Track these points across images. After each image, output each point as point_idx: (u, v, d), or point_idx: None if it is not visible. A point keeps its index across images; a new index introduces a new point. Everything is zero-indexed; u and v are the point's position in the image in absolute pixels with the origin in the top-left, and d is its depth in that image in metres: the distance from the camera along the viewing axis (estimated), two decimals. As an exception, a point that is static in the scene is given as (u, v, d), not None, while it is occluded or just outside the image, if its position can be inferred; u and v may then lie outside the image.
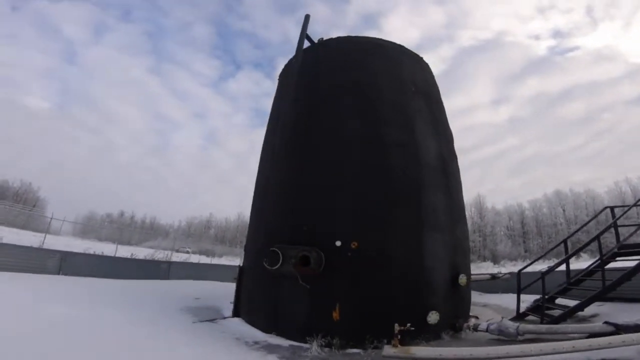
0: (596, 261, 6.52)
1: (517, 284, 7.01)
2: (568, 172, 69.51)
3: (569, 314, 5.92)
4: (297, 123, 7.15)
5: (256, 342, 5.55)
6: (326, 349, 5.15)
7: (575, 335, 4.73)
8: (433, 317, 5.45)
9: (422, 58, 8.49)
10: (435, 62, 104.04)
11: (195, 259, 21.83)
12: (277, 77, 9.22)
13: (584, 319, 6.37)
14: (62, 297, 7.31)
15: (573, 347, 3.53)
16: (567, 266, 7.08)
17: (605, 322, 4.50)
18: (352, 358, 4.81)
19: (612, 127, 67.56)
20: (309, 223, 6.09)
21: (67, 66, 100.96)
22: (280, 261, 5.75)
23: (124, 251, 18.10)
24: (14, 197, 39.59)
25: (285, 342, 5.56)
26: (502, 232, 35.03)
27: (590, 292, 6.07)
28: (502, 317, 5.80)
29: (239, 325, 6.66)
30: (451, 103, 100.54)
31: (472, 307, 9.51)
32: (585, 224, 8.16)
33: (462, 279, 6.08)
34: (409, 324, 4.27)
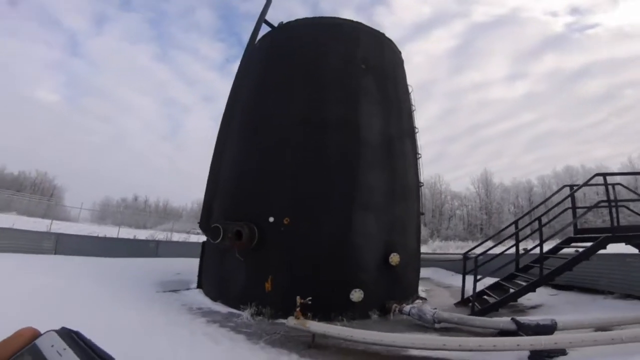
0: (535, 246, 6.66)
1: (463, 267, 7.25)
2: (587, 148, 67.02)
3: (499, 304, 6.10)
4: (248, 106, 7.66)
5: (199, 309, 6.41)
6: (258, 317, 5.88)
7: (479, 330, 4.96)
8: (356, 295, 5.91)
9: (383, 35, 8.56)
10: (448, 38, 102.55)
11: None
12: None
13: (524, 309, 6.68)
14: (49, 271, 8.47)
15: (459, 345, 3.66)
16: (517, 251, 7.17)
17: (512, 319, 4.60)
18: (274, 326, 5.43)
19: (636, 104, 63.97)
20: (250, 201, 6.72)
21: (72, 58, 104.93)
22: (221, 236, 6.45)
23: (141, 234, 19.90)
24: (31, 188, 43.12)
25: (225, 309, 6.39)
26: (508, 210, 34.12)
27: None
28: (423, 302, 6.14)
29: (196, 295, 7.57)
30: (464, 79, 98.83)
31: (434, 288, 10.00)
32: (539, 205, 8.10)
33: (394, 258, 6.42)
34: (309, 298, 4.79)
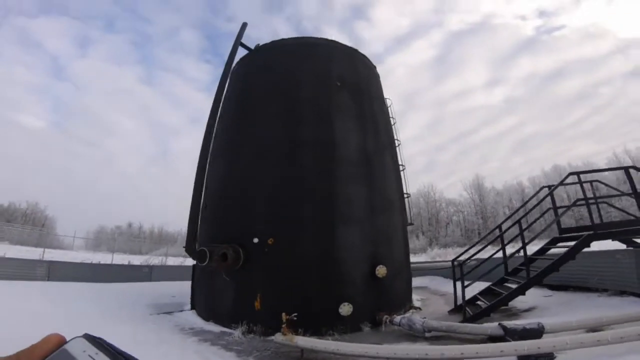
0: (518, 250, 6.85)
1: (453, 274, 7.37)
2: (570, 146, 69.83)
3: (490, 309, 6.21)
4: (225, 132, 7.95)
5: (191, 329, 6.54)
6: (249, 335, 6.00)
7: (469, 336, 5.04)
8: (345, 309, 6.08)
9: (356, 51, 9.00)
10: (427, 48, 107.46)
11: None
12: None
13: (517, 313, 6.80)
14: (41, 296, 8.55)
15: (442, 354, 3.69)
16: (504, 255, 7.35)
17: (499, 324, 4.58)
18: (265, 343, 5.55)
19: (612, 101, 67.54)
20: (234, 223, 6.94)
21: (56, 82, 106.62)
22: (208, 259, 6.60)
23: (135, 260, 19.92)
24: (22, 218, 43.14)
25: (217, 329, 6.51)
26: (503, 213, 34.39)
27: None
28: (416, 311, 6.25)
29: (189, 316, 7.66)
30: (446, 87, 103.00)
31: (430, 296, 10.08)
32: (519, 208, 8.36)
33: (380, 270, 6.61)
34: (294, 314, 4.97)
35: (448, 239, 31.60)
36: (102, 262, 15.41)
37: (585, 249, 6.19)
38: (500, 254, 7.43)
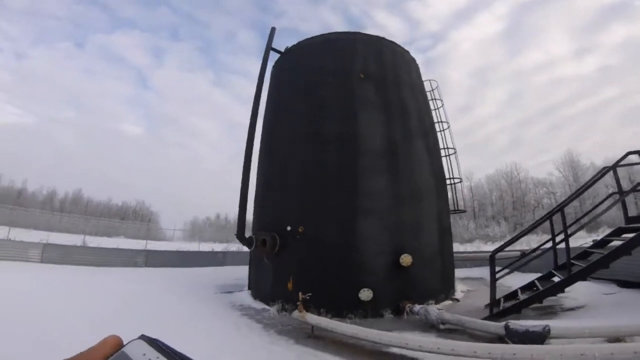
0: (560, 241, 6.35)
1: (490, 268, 7.10)
2: None
3: (520, 306, 6.02)
4: (266, 130, 9.07)
5: (241, 305, 7.95)
6: (283, 312, 7.08)
7: (480, 332, 5.02)
8: (365, 295, 6.64)
9: (383, 39, 9.09)
10: (493, 21, 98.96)
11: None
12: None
13: (559, 311, 6.43)
14: (136, 279, 11.17)
15: (438, 348, 3.81)
16: (554, 247, 6.81)
17: (505, 324, 4.46)
18: (292, 320, 6.43)
19: None
20: (273, 213, 8.05)
21: (144, 91, 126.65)
22: (254, 244, 7.89)
23: (218, 247, 23.69)
24: (133, 215, 53.71)
25: (260, 306, 7.81)
26: (605, 193, 28.10)
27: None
28: (430, 303, 6.39)
29: (244, 295, 9.19)
30: (526, 60, 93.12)
31: (479, 288, 9.78)
32: (578, 194, 7.37)
33: (405, 259, 6.90)
34: (308, 294, 5.78)
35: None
36: (190, 250, 18.79)
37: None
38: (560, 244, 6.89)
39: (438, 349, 3.91)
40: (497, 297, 7.00)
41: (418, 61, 10.04)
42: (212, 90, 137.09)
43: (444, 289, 7.93)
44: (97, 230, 28.95)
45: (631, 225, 6.38)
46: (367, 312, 6.65)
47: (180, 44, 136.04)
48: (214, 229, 52.46)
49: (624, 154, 6.17)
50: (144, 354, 0.40)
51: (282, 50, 9.83)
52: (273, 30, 9.90)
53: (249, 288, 9.91)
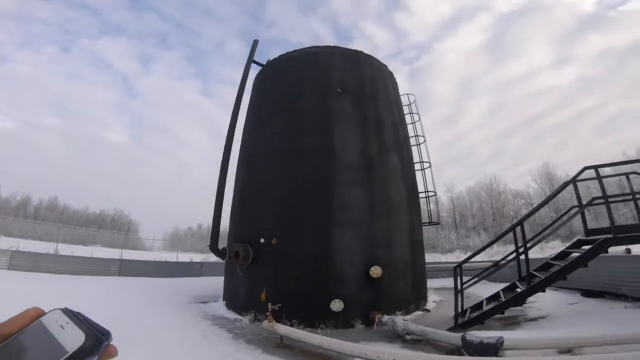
0: (511, 253, 6.71)
1: (454, 279, 7.28)
2: None
3: (482, 317, 6.20)
4: (244, 142, 9.23)
5: (213, 315, 7.96)
6: (255, 322, 7.13)
7: (443, 343, 5.10)
8: (336, 305, 6.81)
9: (360, 53, 9.46)
10: (477, 32, 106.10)
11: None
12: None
13: (521, 321, 6.75)
14: (106, 288, 11.01)
15: (377, 357, 4.05)
16: (518, 259, 7.06)
17: (462, 335, 4.60)
18: (262, 329, 6.47)
19: None
20: (247, 225, 8.15)
21: (130, 99, 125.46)
22: (227, 256, 7.94)
23: (197, 258, 23.34)
24: (111, 223, 52.44)
25: (233, 316, 7.84)
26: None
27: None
28: (398, 314, 6.59)
29: (218, 305, 9.18)
30: (508, 71, 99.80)
31: (452, 299, 9.95)
32: (537, 209, 7.75)
33: (375, 271, 7.10)
34: (278, 305, 5.90)
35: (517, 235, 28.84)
36: (168, 260, 18.48)
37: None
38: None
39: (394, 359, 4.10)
40: (465, 308, 7.28)
41: (404, 72, 10.58)
42: (200, 99, 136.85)
43: (415, 300, 8.15)
44: (71, 238, 28.01)
45: (590, 238, 6.76)
46: (339, 323, 6.77)
47: (169, 52, 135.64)
48: (195, 239, 51.62)
49: (581, 168, 6.59)
50: (57, 321, 0.43)
51: (264, 62, 10.08)
52: (255, 42, 10.16)
53: (224, 299, 9.89)
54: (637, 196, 6.18)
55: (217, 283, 14.03)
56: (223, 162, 8.98)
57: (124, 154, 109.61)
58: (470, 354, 4.30)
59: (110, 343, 0.44)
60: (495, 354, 4.15)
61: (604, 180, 6.40)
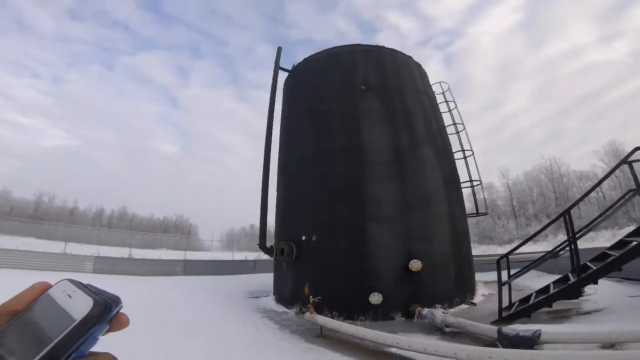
0: (562, 244, 6.37)
1: (498, 272, 7.07)
2: None
3: (527, 310, 6.07)
4: (281, 147, 9.88)
5: (264, 308, 8.72)
6: (300, 315, 7.70)
7: (479, 335, 5.22)
8: (375, 298, 7.10)
9: (382, 48, 9.53)
10: (509, 13, 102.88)
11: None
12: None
13: (573, 315, 6.44)
14: (173, 286, 12.46)
15: (425, 348, 4.18)
16: (570, 250, 6.70)
17: (498, 328, 4.65)
18: (306, 321, 7.03)
19: None
20: (291, 224, 8.79)
21: (174, 110, 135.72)
22: (274, 253, 8.66)
23: (251, 256, 25.17)
24: (174, 228, 57.79)
25: (281, 309, 8.53)
26: None
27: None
28: (437, 307, 6.63)
29: (269, 300, 9.99)
30: (550, 50, 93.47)
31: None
32: (586, 194, 7.11)
33: (415, 264, 7.24)
34: (318, 297, 6.36)
35: (582, 220, 25.61)
36: (224, 259, 20.18)
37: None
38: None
39: (425, 349, 4.30)
40: (514, 301, 7.09)
41: (438, 58, 10.49)
42: (236, 105, 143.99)
43: (460, 293, 8.07)
44: (142, 243, 31.74)
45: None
46: (378, 315, 7.06)
47: (202, 62, 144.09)
48: (249, 239, 54.75)
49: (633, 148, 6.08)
50: (64, 291, 0.42)
51: (290, 67, 10.61)
52: (279, 49, 10.73)
53: (274, 293, 10.68)
54: None
55: (268, 279, 15.00)
56: (264, 167, 9.72)
57: (175, 163, 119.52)
58: (505, 347, 4.32)
59: (121, 312, 0.44)
60: (532, 347, 4.12)
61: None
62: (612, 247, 6.84)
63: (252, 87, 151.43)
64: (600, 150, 31.51)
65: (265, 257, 23.25)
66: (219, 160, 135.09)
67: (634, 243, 6.03)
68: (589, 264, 6.36)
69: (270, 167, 9.80)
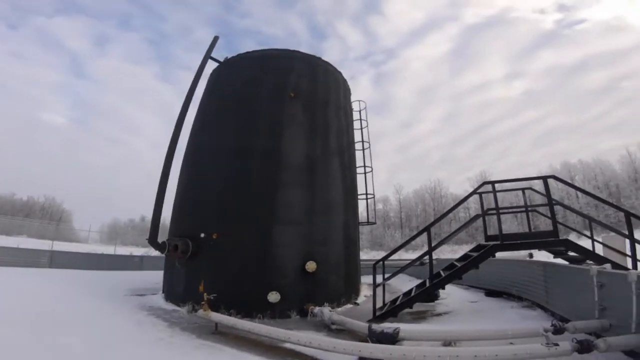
0: (424, 254, 7.84)
1: (373, 275, 7.99)
2: (594, 141, 76.01)
3: (395, 310, 7.07)
4: (193, 136, 9.54)
5: (150, 307, 8.25)
6: (193, 313, 7.58)
7: (358, 332, 5.83)
8: (273, 297, 7.57)
9: (318, 59, 10.24)
10: (444, 41, 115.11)
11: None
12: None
13: (428, 316, 7.79)
14: (42, 279, 10.62)
15: (310, 342, 4.74)
16: (430, 260, 8.10)
17: (368, 325, 5.31)
18: (198, 319, 6.95)
19: (635, 95, 67.96)
20: (189, 219, 8.56)
21: (77, 80, 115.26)
22: (167, 249, 8.28)
23: (138, 252, 22.49)
24: (40, 212, 48.15)
25: (171, 307, 8.23)
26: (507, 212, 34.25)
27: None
28: (326, 306, 7.44)
29: (157, 298, 9.45)
30: (464, 81, 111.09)
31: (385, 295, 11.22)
32: (442, 216, 9.23)
33: (310, 265, 8.01)
34: (213, 295, 6.48)
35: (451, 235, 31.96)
36: (105, 253, 17.85)
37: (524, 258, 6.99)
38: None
39: (310, 343, 4.90)
40: (386, 302, 8.43)
41: (370, 75, 11.47)
42: (157, 84, 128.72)
43: (347, 294, 9.16)
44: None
45: (487, 243, 8.20)
46: (276, 313, 7.51)
47: (130, 34, 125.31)
48: (137, 232, 49.18)
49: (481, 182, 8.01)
50: None
51: (222, 60, 10.41)
52: (216, 39, 10.45)
53: (163, 291, 10.14)
54: (529, 208, 7.83)
55: (157, 277, 13.95)
56: (167, 155, 9.14)
57: (62, 137, 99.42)
58: (373, 342, 5.09)
59: None
60: (393, 343, 4.92)
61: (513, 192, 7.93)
62: (459, 259, 8.79)
63: (181, 68, 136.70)
64: (473, 178, 39.29)
65: (155, 253, 21.48)
66: (124, 141, 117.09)
67: (473, 256, 7.97)
68: (441, 272, 8.06)
69: (175, 156, 9.33)
